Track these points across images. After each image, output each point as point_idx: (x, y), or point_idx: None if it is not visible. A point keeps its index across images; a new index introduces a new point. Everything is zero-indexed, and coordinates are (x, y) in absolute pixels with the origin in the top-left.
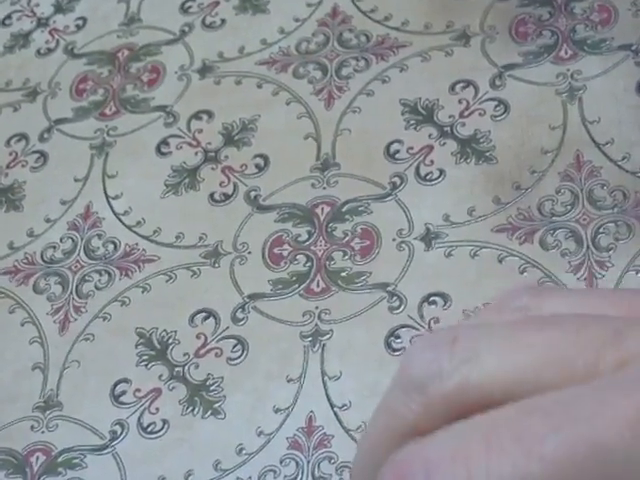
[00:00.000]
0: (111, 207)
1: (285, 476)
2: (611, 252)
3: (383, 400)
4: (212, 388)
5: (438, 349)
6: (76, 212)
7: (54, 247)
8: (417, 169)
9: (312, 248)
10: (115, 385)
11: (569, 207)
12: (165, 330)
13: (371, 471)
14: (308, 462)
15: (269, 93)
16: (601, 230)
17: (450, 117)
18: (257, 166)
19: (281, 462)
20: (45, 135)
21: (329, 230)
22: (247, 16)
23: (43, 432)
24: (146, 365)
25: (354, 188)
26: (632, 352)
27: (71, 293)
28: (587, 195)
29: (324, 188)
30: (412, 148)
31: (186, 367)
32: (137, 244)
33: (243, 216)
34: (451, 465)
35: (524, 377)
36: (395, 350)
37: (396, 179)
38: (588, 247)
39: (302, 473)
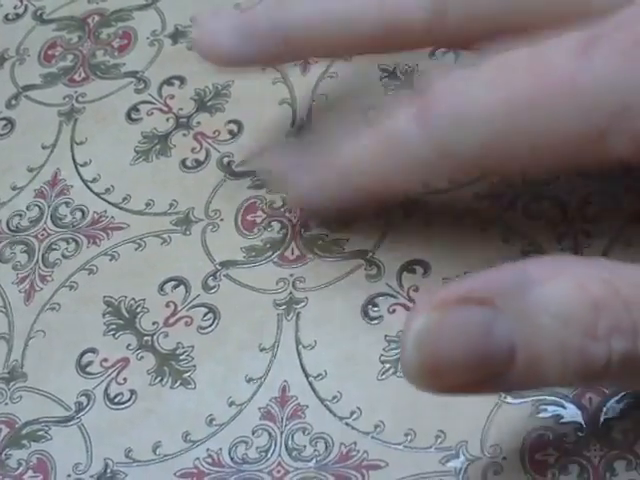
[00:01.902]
0: (79, 174)
1: (257, 447)
2: (597, 222)
3: None
4: (182, 357)
5: None
6: (43, 179)
7: (20, 215)
8: None
9: (287, 214)
10: (81, 355)
11: (554, 177)
12: (134, 299)
13: None
14: (281, 433)
15: None
16: (588, 200)
17: None
18: (230, 132)
19: (253, 433)
20: (12, 102)
21: None
22: None
23: (7, 404)
24: (114, 334)
25: None
26: None
27: (37, 262)
28: None
29: None
30: None
31: (155, 336)
32: (106, 211)
33: (215, 182)
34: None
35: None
36: (372, 319)
37: None
38: (573, 216)
39: (275, 444)
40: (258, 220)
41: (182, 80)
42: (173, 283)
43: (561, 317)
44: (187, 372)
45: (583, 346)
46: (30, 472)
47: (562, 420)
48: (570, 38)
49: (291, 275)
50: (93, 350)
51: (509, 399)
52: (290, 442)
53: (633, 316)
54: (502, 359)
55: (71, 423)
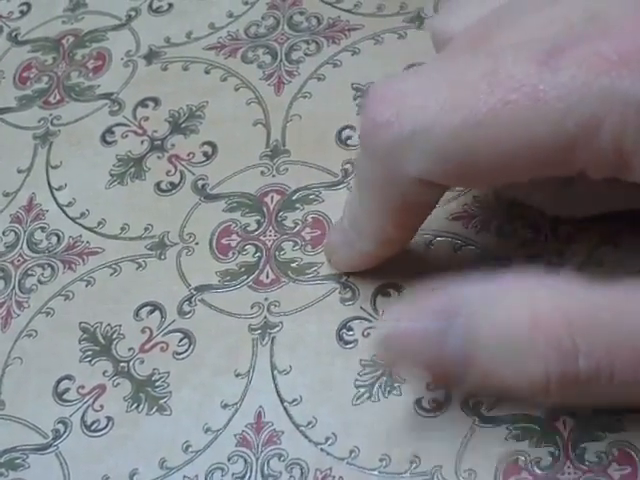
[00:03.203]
0: (55, 198)
1: (233, 474)
2: (569, 242)
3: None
4: (158, 384)
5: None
6: (19, 204)
7: None
8: None
9: (261, 238)
10: (58, 382)
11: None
12: (109, 325)
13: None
14: (257, 459)
15: (217, 79)
16: (560, 220)
17: None
18: (205, 154)
19: (229, 459)
20: None
21: (279, 219)
22: (195, 0)
23: None
24: (90, 361)
25: (305, 176)
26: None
27: (14, 288)
28: None
29: (274, 176)
30: None
31: (131, 362)
32: (81, 236)
33: (190, 206)
34: (420, 95)
35: None
36: (347, 343)
37: (348, 166)
38: (546, 236)
39: (251, 471)
40: (233, 244)
41: (156, 101)
42: (149, 308)
43: (506, 336)
44: (163, 398)
45: (524, 364)
46: None
47: (536, 444)
48: (529, 48)
49: (266, 299)
50: (70, 377)
51: (483, 423)
52: (266, 468)
53: (575, 338)
54: (457, 367)
55: (48, 451)
